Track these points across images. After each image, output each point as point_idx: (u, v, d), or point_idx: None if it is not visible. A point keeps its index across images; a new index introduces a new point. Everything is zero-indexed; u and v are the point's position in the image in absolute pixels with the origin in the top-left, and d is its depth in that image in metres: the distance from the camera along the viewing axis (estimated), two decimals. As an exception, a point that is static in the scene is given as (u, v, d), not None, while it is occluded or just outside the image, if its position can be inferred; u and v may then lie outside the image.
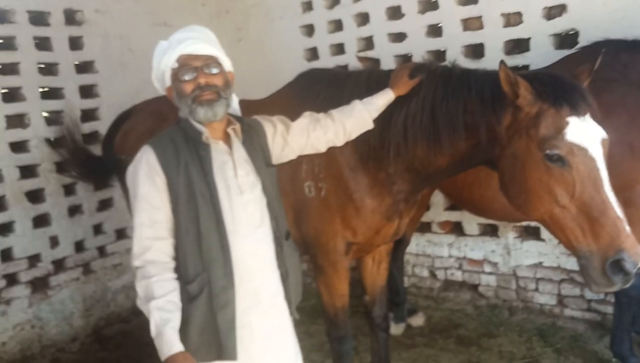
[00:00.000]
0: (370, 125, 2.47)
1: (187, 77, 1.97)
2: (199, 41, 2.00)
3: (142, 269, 1.93)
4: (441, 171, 2.54)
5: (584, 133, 2.02)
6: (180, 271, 1.96)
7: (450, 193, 3.84)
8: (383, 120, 2.50)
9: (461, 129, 2.32)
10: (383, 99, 2.47)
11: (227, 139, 2.08)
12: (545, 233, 4.09)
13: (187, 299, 1.94)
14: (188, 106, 1.98)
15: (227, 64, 2.10)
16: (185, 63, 1.97)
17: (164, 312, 1.87)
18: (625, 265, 1.91)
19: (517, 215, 3.45)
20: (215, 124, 2.02)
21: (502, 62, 2.09)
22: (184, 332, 1.92)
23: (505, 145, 2.18)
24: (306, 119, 2.35)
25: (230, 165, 2.03)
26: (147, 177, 1.94)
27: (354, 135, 2.46)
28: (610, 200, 1.98)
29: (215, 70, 2.00)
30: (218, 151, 2.03)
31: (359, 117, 2.42)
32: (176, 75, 1.99)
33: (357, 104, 2.45)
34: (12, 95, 4.34)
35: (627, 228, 1.96)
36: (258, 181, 2.08)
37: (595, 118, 2.10)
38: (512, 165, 2.17)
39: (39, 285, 4.45)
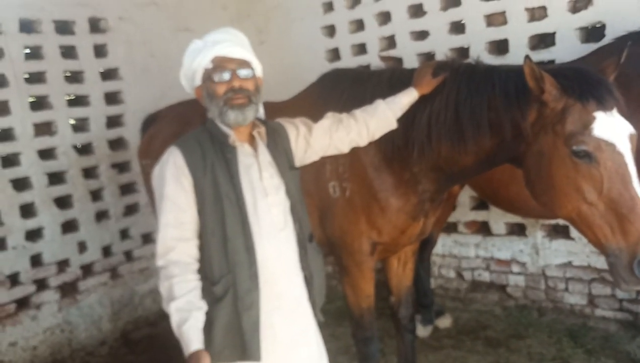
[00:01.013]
0: (394, 125, 2.45)
1: (221, 79, 1.98)
2: (235, 44, 2.02)
3: (165, 269, 1.95)
4: (466, 170, 2.50)
5: (612, 128, 1.98)
6: (206, 272, 1.97)
7: (486, 191, 3.77)
8: (407, 119, 2.48)
9: (485, 126, 2.29)
10: (407, 98, 2.44)
11: (252, 142, 2.09)
12: (574, 231, 4.00)
13: (212, 300, 1.95)
14: (219, 108, 1.99)
15: (259, 70, 2.11)
16: (220, 65, 1.99)
17: (184, 312, 1.89)
18: None
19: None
20: (242, 127, 2.04)
21: (527, 57, 2.05)
22: (209, 332, 1.93)
23: (531, 141, 2.14)
24: (329, 120, 2.33)
25: (255, 168, 2.04)
26: (174, 178, 1.95)
27: (377, 135, 2.44)
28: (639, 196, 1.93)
29: (248, 75, 2.02)
30: (244, 154, 2.04)
31: (382, 116, 2.40)
32: (209, 75, 2.00)
33: (380, 104, 2.43)
34: (40, 104, 4.43)
35: None
36: (282, 184, 2.08)
37: (622, 113, 2.04)
38: (537, 162, 2.13)
39: (68, 290, 4.53)
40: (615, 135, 1.97)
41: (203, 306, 1.93)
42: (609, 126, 1.98)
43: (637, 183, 1.96)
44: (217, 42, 2.01)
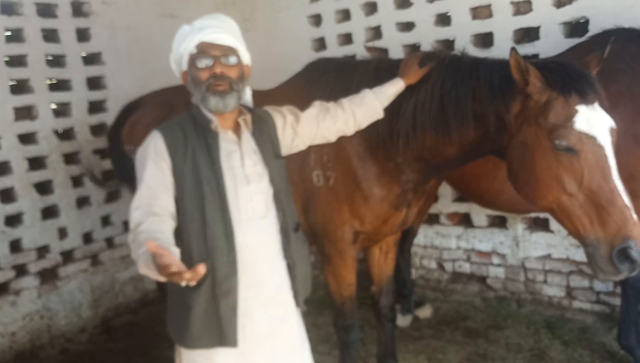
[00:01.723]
0: (380, 115, 2.45)
1: (203, 65, 1.97)
2: (221, 30, 2.00)
3: (134, 235, 1.85)
4: (450, 161, 2.52)
5: (593, 121, 2.01)
6: (184, 257, 1.94)
7: (458, 185, 3.82)
8: (392, 109, 2.49)
9: (470, 117, 2.31)
10: (393, 88, 2.45)
11: (237, 129, 2.08)
12: (554, 224, 4.06)
13: (191, 286, 1.92)
14: (201, 93, 1.98)
15: (246, 57, 2.09)
16: (204, 50, 1.97)
17: (147, 234, 1.77)
18: (632, 253, 1.90)
19: (523, 207, 3.44)
20: (227, 114, 2.03)
21: (513, 49, 2.07)
22: (187, 318, 1.93)
23: (514, 133, 2.17)
24: (316, 108, 2.33)
25: (237, 155, 2.03)
26: (153, 161, 1.95)
27: (364, 124, 2.44)
28: (619, 188, 1.97)
29: (233, 62, 2.00)
30: (226, 140, 2.03)
31: (369, 105, 2.40)
32: (194, 61, 1.99)
33: (367, 93, 2.43)
34: (21, 87, 4.35)
35: (635, 216, 1.95)
36: (266, 172, 2.07)
37: (603, 107, 2.08)
38: (520, 154, 2.15)
39: (48, 276, 4.48)
40: (596, 128, 2.01)
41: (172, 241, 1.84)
42: (590, 119, 2.01)
43: (617, 176, 2.00)
44: (203, 28, 1.99)
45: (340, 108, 2.35)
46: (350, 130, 2.41)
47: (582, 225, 2.02)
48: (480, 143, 2.36)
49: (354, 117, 2.37)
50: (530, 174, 2.12)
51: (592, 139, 1.99)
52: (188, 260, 1.93)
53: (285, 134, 2.22)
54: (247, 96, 2.18)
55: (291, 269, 2.12)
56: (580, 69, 2.11)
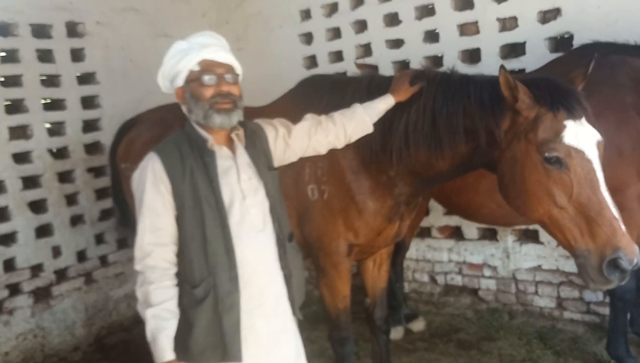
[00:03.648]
0: (370, 129, 2.51)
1: (209, 82, 2.00)
2: (222, 49, 2.06)
3: (142, 274, 1.99)
4: (442, 174, 2.58)
5: (581, 136, 2.09)
6: (187, 275, 2.00)
7: (440, 198, 3.87)
8: (384, 126, 2.55)
9: (461, 133, 2.37)
10: (383, 104, 2.52)
11: (230, 144, 2.11)
12: (544, 236, 4.11)
13: (193, 302, 1.98)
14: (204, 111, 2.01)
15: (241, 75, 2.15)
16: (209, 68, 2.01)
17: (159, 319, 1.94)
18: (621, 263, 1.96)
19: (505, 220, 3.49)
20: (221, 131, 2.07)
21: (502, 67, 2.14)
22: (190, 333, 1.97)
23: (505, 148, 2.24)
24: (308, 121, 2.39)
25: (234, 171, 2.07)
26: (152, 184, 1.98)
27: (354, 138, 2.50)
28: (607, 200, 2.04)
29: (233, 80, 2.06)
30: (222, 157, 2.07)
31: (359, 120, 2.46)
32: (197, 78, 2.02)
33: (358, 108, 2.49)
34: (15, 107, 4.39)
35: (623, 227, 2.01)
36: (261, 185, 2.11)
37: (590, 121, 2.15)
38: (511, 168, 2.22)
39: (42, 295, 4.46)
40: (584, 142, 2.08)
41: (177, 314, 1.99)
42: (578, 134, 2.08)
43: (605, 188, 2.06)
44: (205, 46, 2.03)
45: (332, 122, 2.41)
46: (340, 144, 2.47)
47: (573, 237, 2.07)
48: (471, 157, 2.42)
49: (345, 130, 2.43)
50: (521, 187, 2.18)
51: (580, 153, 2.06)
52: (190, 277, 2.00)
53: (277, 146, 2.26)
54: None
55: (288, 279, 2.16)
56: (566, 86, 2.19)
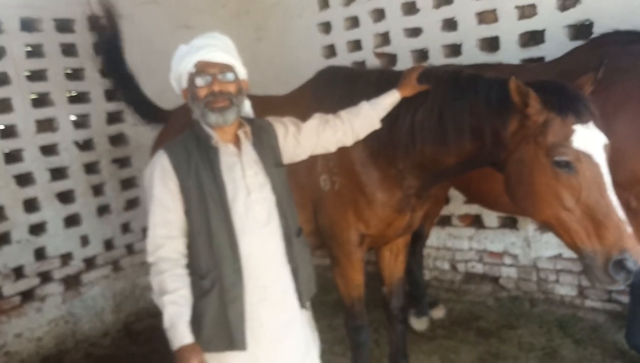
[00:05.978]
0: (377, 125, 2.55)
1: (202, 83, 2.09)
2: (218, 49, 2.11)
3: (155, 265, 2.08)
4: (450, 169, 2.60)
5: (589, 140, 2.10)
6: (194, 267, 2.10)
7: (460, 186, 3.87)
8: (391, 120, 2.58)
9: (467, 131, 2.39)
10: (389, 99, 2.55)
11: (237, 141, 2.18)
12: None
13: (201, 293, 2.07)
14: (200, 110, 2.10)
15: (242, 73, 2.20)
16: (202, 69, 2.08)
17: (177, 306, 2.02)
18: (627, 264, 2.00)
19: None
20: (226, 128, 2.14)
21: (512, 78, 2.15)
22: (199, 323, 2.05)
23: (512, 150, 2.25)
24: (316, 120, 2.44)
25: (238, 167, 2.14)
26: (161, 181, 2.08)
27: (362, 134, 2.54)
28: (614, 203, 2.06)
29: (230, 78, 2.11)
30: (227, 154, 2.14)
31: (366, 116, 2.50)
32: (193, 79, 2.11)
33: (364, 105, 2.53)
34: (41, 101, 4.53)
35: (629, 229, 2.04)
36: (267, 181, 2.18)
37: (597, 125, 2.16)
38: (519, 170, 2.23)
39: (72, 283, 4.65)
40: (592, 146, 2.10)
41: (191, 301, 2.07)
42: (586, 138, 2.10)
43: (612, 191, 2.08)
44: (200, 47, 2.10)
45: (339, 120, 2.46)
46: (349, 141, 2.52)
47: (580, 239, 2.10)
48: (477, 155, 2.44)
49: (352, 128, 2.47)
50: (529, 189, 2.20)
51: (588, 157, 2.08)
52: (197, 269, 2.09)
53: (287, 143, 2.32)
54: (247, 108, 2.31)
55: (295, 273, 2.23)
56: (575, 91, 2.19)
